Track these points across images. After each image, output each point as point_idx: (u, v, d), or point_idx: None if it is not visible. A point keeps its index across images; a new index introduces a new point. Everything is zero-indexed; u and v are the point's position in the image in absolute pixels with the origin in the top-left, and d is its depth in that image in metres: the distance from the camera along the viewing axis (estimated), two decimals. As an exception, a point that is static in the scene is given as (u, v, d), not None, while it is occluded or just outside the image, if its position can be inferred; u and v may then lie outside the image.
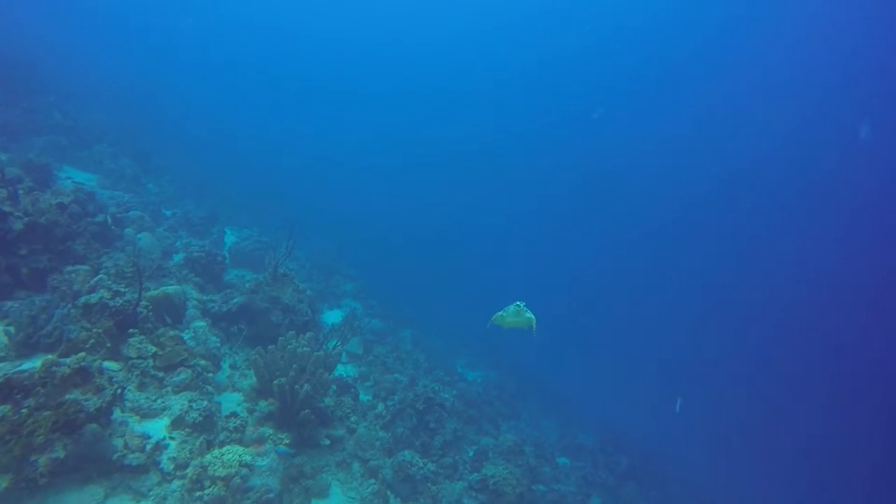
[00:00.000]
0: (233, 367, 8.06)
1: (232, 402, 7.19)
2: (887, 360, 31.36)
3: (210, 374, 6.72)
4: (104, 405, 4.52)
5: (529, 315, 5.68)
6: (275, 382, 6.92)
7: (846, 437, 26.67)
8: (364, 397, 9.75)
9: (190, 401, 5.74)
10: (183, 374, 6.08)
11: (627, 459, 14.17)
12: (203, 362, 6.82)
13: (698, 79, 41.81)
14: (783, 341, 34.93)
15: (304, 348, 7.37)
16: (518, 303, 5.65)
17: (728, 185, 42.08)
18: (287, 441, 6.41)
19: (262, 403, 7.16)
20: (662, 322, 37.00)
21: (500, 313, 5.84)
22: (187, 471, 4.98)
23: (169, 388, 5.87)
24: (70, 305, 5.75)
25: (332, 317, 13.07)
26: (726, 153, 41.97)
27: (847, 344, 33.77)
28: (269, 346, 7.26)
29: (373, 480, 7.39)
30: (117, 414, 4.90)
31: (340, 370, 10.14)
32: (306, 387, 7.04)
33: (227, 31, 51.34)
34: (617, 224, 44.77)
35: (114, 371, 5.45)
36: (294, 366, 7.10)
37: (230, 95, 40.71)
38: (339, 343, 9.31)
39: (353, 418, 8.13)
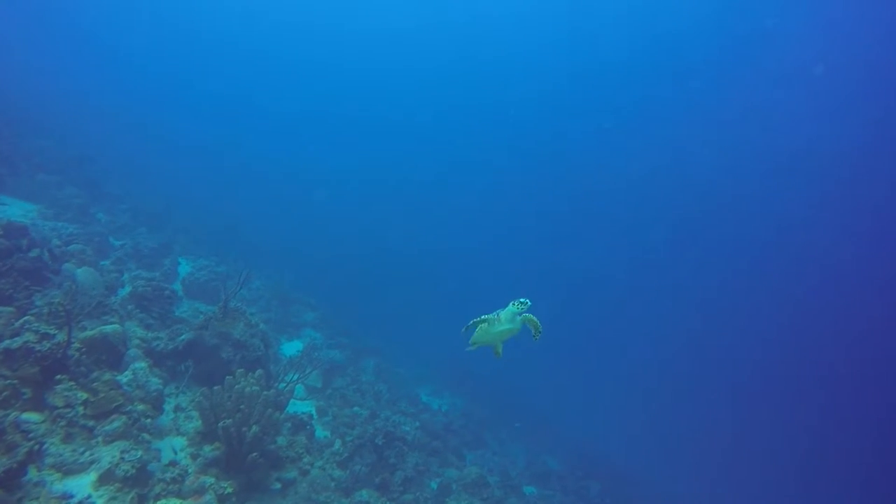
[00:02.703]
0: (178, 408, 7.63)
1: (175, 447, 6.78)
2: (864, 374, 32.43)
3: (148, 420, 6.32)
4: (15, 466, 4.14)
5: (527, 316, 4.22)
6: (220, 425, 6.57)
7: (828, 456, 27.19)
8: (322, 433, 9.38)
9: (122, 451, 5.35)
10: (116, 422, 5.68)
11: (598, 484, 14.08)
12: (141, 407, 6.43)
13: (683, 82, 42.02)
14: (759, 360, 35.67)
15: (253, 387, 7.03)
16: (522, 300, 4.06)
17: (690, 220, 43.09)
18: (230, 490, 6.02)
19: (207, 448, 6.77)
20: (634, 337, 37.39)
21: (487, 317, 4.23)
22: (114, 532, 4.61)
23: (99, 439, 5.47)
24: (-13, 353, 5.32)
25: (292, 348, 12.67)
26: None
27: (825, 361, 34.64)
28: (216, 387, 6.91)
29: (327, 525, 7.04)
30: (33, 473, 4.50)
31: (297, 405, 9.76)
32: (255, 428, 6.70)
33: (185, 51, 50.54)
34: (588, 243, 45.22)
35: (34, 423, 5.03)
36: (242, 407, 6.76)
37: (190, 120, 39.98)
38: (297, 377, 8.98)
39: (306, 458, 7.77)
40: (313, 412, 9.85)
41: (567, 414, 22.28)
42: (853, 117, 33.11)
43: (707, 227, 42.83)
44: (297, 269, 18.29)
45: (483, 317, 4.23)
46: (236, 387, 7.03)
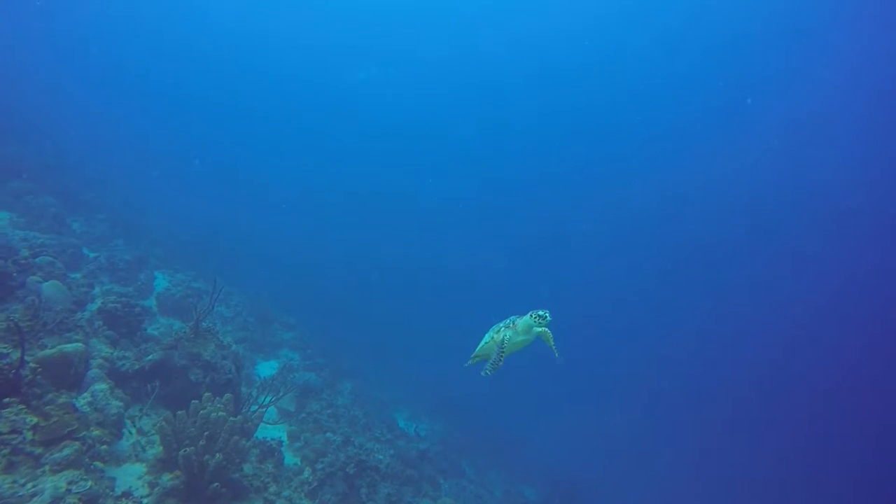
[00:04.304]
0: (140, 432, 7.30)
1: (132, 475, 6.44)
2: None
3: (103, 447, 6.00)
4: (-54, 500, 3.84)
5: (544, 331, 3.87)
6: (180, 452, 6.26)
7: (813, 465, 27.08)
8: (291, 460, 9.04)
9: (69, 482, 5.03)
10: (67, 450, 5.37)
11: (574, 515, 13.78)
12: (97, 432, 6.12)
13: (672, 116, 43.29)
14: (739, 379, 35.69)
15: (220, 413, 6.75)
16: (540, 312, 3.71)
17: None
18: (185, 525, 5.70)
19: (166, 477, 6.45)
20: (617, 358, 37.15)
21: (503, 324, 3.92)
22: (52, 572, 4.29)
23: (46, 468, 5.14)
24: (-69, 373, 5.03)
25: (268, 368, 12.34)
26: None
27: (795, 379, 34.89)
28: (179, 412, 6.62)
29: (290, 561, 6.71)
30: (-35, 509, 4.20)
31: (268, 430, 9.42)
32: (218, 457, 6.41)
33: (170, 56, 50.23)
34: (571, 263, 45.36)
35: (-27, 452, 4.73)
36: (205, 433, 6.47)
37: (175, 130, 39.65)
38: (270, 400, 8.68)
39: (272, 488, 7.45)
40: (284, 438, 9.52)
41: (546, 438, 21.86)
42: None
43: (687, 257, 43.64)
44: (278, 285, 17.97)
45: (501, 325, 3.90)
46: (201, 412, 6.74)
